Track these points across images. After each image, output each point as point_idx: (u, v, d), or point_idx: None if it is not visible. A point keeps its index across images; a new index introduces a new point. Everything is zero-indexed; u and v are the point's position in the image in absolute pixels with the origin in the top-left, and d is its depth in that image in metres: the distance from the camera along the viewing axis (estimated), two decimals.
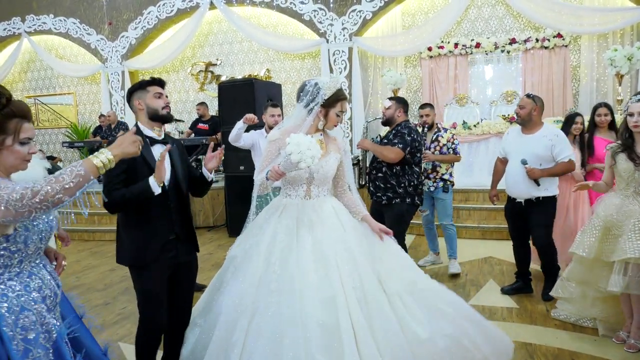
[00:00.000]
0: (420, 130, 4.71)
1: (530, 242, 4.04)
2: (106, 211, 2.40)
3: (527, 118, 3.81)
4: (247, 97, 6.39)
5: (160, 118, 2.45)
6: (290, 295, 2.20)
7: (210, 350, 2.30)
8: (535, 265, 4.15)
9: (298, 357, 2.05)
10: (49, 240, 1.74)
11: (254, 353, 2.12)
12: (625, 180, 2.98)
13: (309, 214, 2.44)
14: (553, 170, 3.72)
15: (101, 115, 9.34)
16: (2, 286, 1.57)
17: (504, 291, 4.08)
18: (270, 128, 4.48)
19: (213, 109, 9.15)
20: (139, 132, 2.39)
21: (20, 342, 1.55)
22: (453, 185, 4.77)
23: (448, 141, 4.67)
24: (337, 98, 2.51)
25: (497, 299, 3.95)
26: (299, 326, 2.13)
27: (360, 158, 7.54)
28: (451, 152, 4.66)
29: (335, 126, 2.59)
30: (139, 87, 2.47)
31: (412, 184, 4.00)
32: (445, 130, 4.78)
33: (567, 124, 4.33)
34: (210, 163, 2.59)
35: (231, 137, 4.49)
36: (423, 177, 4.55)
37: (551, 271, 3.87)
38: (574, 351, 3.02)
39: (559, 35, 7.70)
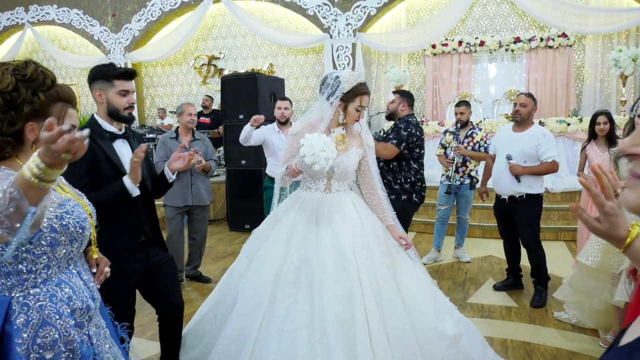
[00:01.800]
0: (454, 126, 4.84)
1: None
2: None
3: (527, 116, 3.84)
4: (250, 92, 6.38)
5: (121, 118, 2.22)
6: (308, 287, 2.20)
7: (224, 340, 2.31)
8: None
9: (314, 350, 2.06)
10: (84, 244, 1.51)
11: (269, 344, 2.12)
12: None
13: (329, 208, 2.43)
14: (535, 169, 3.74)
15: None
16: (21, 294, 1.34)
17: (496, 288, 4.13)
18: (278, 121, 4.49)
19: (216, 103, 9.15)
20: (96, 125, 2.20)
21: None
22: (477, 182, 4.84)
23: (481, 139, 4.75)
24: (357, 92, 2.46)
25: (496, 298, 3.95)
26: (315, 318, 2.14)
27: None
28: (482, 150, 4.71)
29: (357, 121, 2.54)
30: (103, 76, 2.19)
31: (408, 180, 3.93)
32: (480, 128, 4.86)
33: (591, 125, 4.14)
34: (176, 163, 2.36)
35: (241, 139, 4.46)
36: (452, 171, 4.64)
37: (540, 276, 3.85)
38: (572, 351, 3.02)
39: (564, 35, 7.67)
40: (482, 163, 4.70)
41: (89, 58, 10.38)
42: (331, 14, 8.39)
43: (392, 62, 8.66)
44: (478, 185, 4.80)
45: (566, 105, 7.82)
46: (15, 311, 1.31)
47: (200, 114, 8.59)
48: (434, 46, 8.30)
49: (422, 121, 7.61)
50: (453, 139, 4.79)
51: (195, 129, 4.45)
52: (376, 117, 8.21)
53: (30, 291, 1.35)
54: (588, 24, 7.43)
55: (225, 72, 9.48)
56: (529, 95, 3.91)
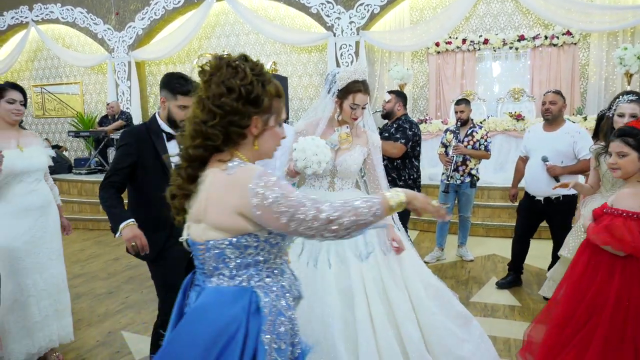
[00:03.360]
0: (455, 125, 4.87)
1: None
2: (127, 200, 2.42)
3: (558, 114, 3.76)
4: None
5: (176, 127, 2.39)
6: (312, 282, 2.21)
7: None
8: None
9: (318, 342, 2.07)
10: None
11: None
12: (610, 182, 2.89)
13: None
14: (574, 168, 3.66)
15: (108, 104, 9.36)
16: (260, 283, 1.34)
17: (499, 285, 4.13)
18: None
19: None
20: (155, 124, 2.41)
21: (273, 352, 1.31)
22: (478, 180, 4.83)
23: (482, 137, 4.73)
24: (350, 90, 2.45)
25: (499, 297, 3.95)
26: (318, 313, 2.15)
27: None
28: (482, 148, 4.70)
29: (354, 119, 2.51)
30: (171, 88, 2.37)
31: (412, 177, 4.06)
32: (480, 127, 4.84)
33: (600, 124, 4.17)
34: None
35: None
36: (451, 169, 4.67)
37: None
38: None
39: (568, 33, 7.63)
40: (489, 163, 4.69)
41: (92, 56, 10.40)
42: (334, 12, 8.37)
43: (395, 60, 8.64)
44: (479, 184, 4.79)
45: (571, 104, 7.77)
46: (260, 299, 1.32)
47: None
48: (437, 44, 8.27)
49: (425, 119, 7.61)
50: (453, 137, 4.78)
51: None
52: (373, 116, 8.20)
53: (266, 281, 1.37)
54: (593, 21, 7.37)
55: None
56: (557, 92, 3.82)
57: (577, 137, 3.66)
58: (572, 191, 3.69)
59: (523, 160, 4.08)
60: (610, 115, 2.85)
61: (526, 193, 3.98)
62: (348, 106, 2.47)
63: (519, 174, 4.19)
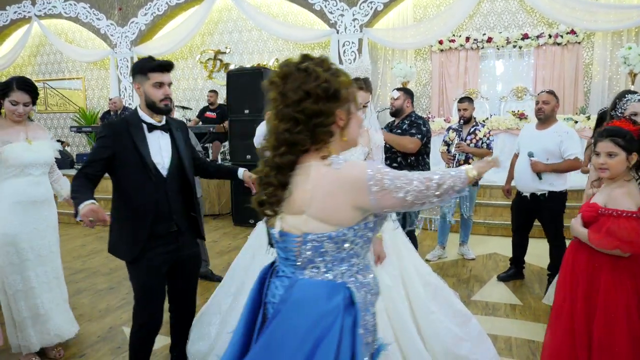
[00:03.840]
0: (457, 123, 4.89)
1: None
2: (111, 196, 2.36)
3: (550, 114, 3.84)
4: (256, 87, 6.30)
5: (157, 110, 2.30)
6: None
7: (231, 330, 2.32)
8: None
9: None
10: None
11: None
12: None
13: None
14: (557, 166, 3.73)
15: (111, 99, 9.36)
16: (352, 279, 1.38)
17: (500, 278, 4.23)
18: None
19: (221, 98, 9.14)
20: (134, 116, 2.32)
21: (362, 346, 1.37)
22: (480, 178, 4.83)
23: (484, 136, 4.73)
24: None
25: (500, 296, 3.94)
26: None
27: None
28: (485, 146, 4.69)
29: None
30: (140, 70, 2.30)
31: None
32: (483, 125, 4.83)
33: (600, 124, 4.17)
34: (252, 185, 2.46)
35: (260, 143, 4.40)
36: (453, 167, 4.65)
37: (557, 271, 3.85)
38: None
39: (572, 32, 7.59)
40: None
41: (95, 52, 10.39)
42: (338, 9, 8.35)
43: (398, 57, 8.61)
44: (481, 182, 4.79)
45: (574, 103, 7.75)
46: (354, 294, 1.35)
47: (206, 109, 8.59)
48: (440, 42, 8.24)
49: (428, 117, 7.58)
50: (456, 135, 4.77)
51: (201, 122, 4.42)
52: (381, 114, 8.17)
53: (357, 276, 1.40)
54: (597, 20, 7.34)
55: (231, 67, 9.46)
56: (551, 92, 3.89)
57: (565, 137, 3.74)
58: (558, 188, 3.79)
59: (517, 157, 4.17)
60: (619, 114, 2.80)
61: (517, 190, 4.10)
62: None
63: (512, 169, 4.29)
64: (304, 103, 1.31)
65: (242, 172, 2.59)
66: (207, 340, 2.59)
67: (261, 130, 4.40)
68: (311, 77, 1.32)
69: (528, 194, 3.91)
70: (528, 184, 3.86)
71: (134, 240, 2.25)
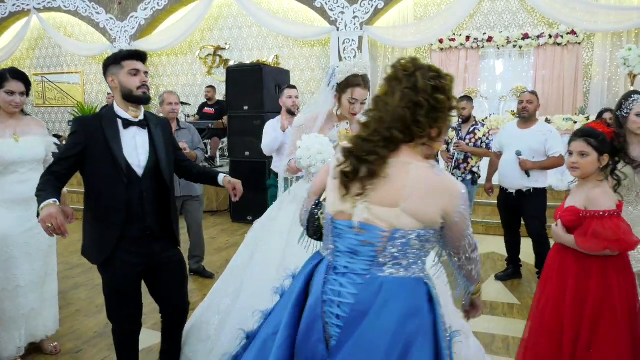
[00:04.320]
0: (457, 122, 4.88)
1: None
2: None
3: (533, 113, 4.04)
4: (256, 83, 6.36)
5: (135, 99, 2.17)
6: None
7: (229, 332, 2.32)
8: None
9: None
10: None
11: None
12: (626, 187, 2.79)
13: None
14: (543, 164, 3.93)
15: (109, 93, 9.33)
16: (426, 274, 1.47)
17: (498, 277, 4.30)
18: (288, 111, 4.36)
19: (220, 94, 9.11)
20: (110, 111, 2.19)
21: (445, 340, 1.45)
22: (479, 178, 4.84)
23: (484, 135, 4.73)
24: (348, 84, 2.42)
25: (498, 295, 3.94)
26: None
27: None
28: (484, 146, 4.69)
29: (354, 115, 2.48)
30: (113, 61, 2.17)
31: None
32: (483, 124, 4.84)
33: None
34: (231, 192, 2.40)
35: (270, 150, 4.29)
36: (452, 167, 4.70)
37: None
38: None
39: (573, 32, 7.59)
40: (485, 159, 4.71)
41: (94, 46, 10.35)
42: (338, 6, 8.33)
43: (398, 56, 8.53)
44: (481, 181, 4.80)
45: (573, 103, 7.75)
46: (431, 289, 1.44)
47: (204, 105, 8.58)
48: (441, 41, 8.23)
49: None
50: (455, 134, 4.77)
51: (199, 118, 4.39)
52: None
53: (426, 272, 1.48)
54: (598, 21, 7.34)
55: (231, 63, 9.44)
56: (533, 92, 4.12)
57: (549, 136, 3.92)
58: (541, 184, 3.97)
59: (497, 156, 4.31)
60: (625, 115, 2.77)
61: (500, 187, 4.23)
62: (347, 101, 2.43)
63: (492, 168, 4.44)
64: (438, 94, 1.37)
65: (221, 178, 2.45)
66: (206, 341, 2.56)
67: (272, 128, 4.34)
68: (442, 79, 1.40)
69: (514, 191, 4.05)
70: (515, 181, 4.00)
71: (104, 243, 2.13)
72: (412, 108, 1.36)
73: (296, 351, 1.43)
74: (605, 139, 2.17)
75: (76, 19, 10.33)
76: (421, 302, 1.40)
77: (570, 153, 2.23)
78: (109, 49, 10.02)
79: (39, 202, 1.94)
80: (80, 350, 3.06)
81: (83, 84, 10.97)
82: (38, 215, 1.91)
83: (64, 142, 9.72)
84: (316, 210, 1.60)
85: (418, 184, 1.37)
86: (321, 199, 1.61)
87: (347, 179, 1.39)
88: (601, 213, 2.12)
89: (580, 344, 2.12)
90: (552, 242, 3.84)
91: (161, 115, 4.33)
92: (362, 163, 1.36)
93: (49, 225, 1.86)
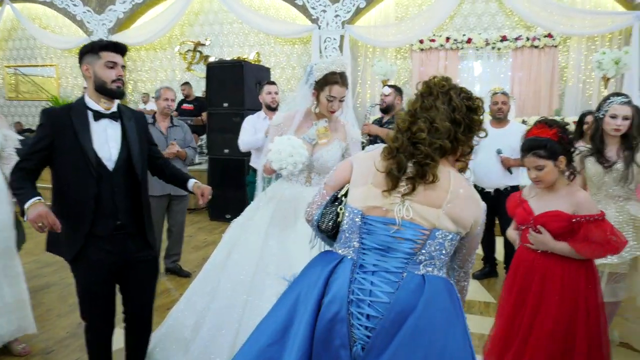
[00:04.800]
0: None
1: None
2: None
3: (507, 113, 4.19)
4: (236, 80, 6.30)
5: (108, 92, 2.10)
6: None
7: (205, 333, 2.29)
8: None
9: None
10: None
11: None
12: (596, 185, 2.90)
13: (307, 201, 2.42)
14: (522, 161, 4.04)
15: (85, 87, 9.14)
16: (444, 274, 1.52)
17: (474, 276, 4.38)
18: (268, 107, 4.33)
19: (199, 90, 9.01)
20: (80, 103, 2.12)
21: None
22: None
23: None
24: (326, 81, 2.39)
25: (475, 293, 3.99)
26: None
27: (364, 144, 7.54)
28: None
29: (332, 112, 2.47)
30: (90, 49, 2.10)
31: None
32: None
33: (580, 125, 4.23)
34: (199, 196, 2.35)
35: (247, 147, 4.22)
36: None
37: None
38: None
39: (549, 36, 7.74)
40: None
41: (70, 39, 10.12)
42: (320, 4, 8.31)
43: (379, 55, 8.63)
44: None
45: (549, 105, 7.90)
46: (455, 289, 1.52)
47: (183, 101, 8.46)
48: (421, 41, 8.29)
49: None
50: None
51: (178, 115, 4.33)
52: (372, 110, 8.20)
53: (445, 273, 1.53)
54: (574, 25, 7.49)
55: (211, 59, 9.33)
56: (505, 93, 4.27)
57: (520, 136, 3.99)
58: (517, 182, 4.07)
59: None
60: (601, 117, 2.81)
61: (475, 187, 4.21)
62: (325, 98, 2.42)
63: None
64: (472, 115, 1.48)
65: (192, 183, 2.40)
66: (182, 342, 2.52)
67: (251, 125, 4.29)
68: (474, 98, 1.50)
69: (492, 190, 4.13)
70: (495, 180, 4.09)
71: (73, 238, 2.07)
72: (452, 124, 1.44)
73: None
74: (552, 144, 2.12)
75: (52, 10, 10.08)
76: (455, 302, 1.45)
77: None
78: (85, 42, 9.77)
79: (21, 202, 1.89)
80: (51, 351, 2.99)
81: (58, 77, 10.72)
82: (23, 214, 1.87)
83: None
84: (335, 205, 1.56)
85: (458, 190, 1.44)
86: (339, 195, 1.57)
87: (397, 174, 1.42)
88: (596, 217, 2.10)
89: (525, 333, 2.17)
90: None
91: (153, 109, 4.27)
92: (416, 164, 1.41)
93: (41, 224, 1.86)
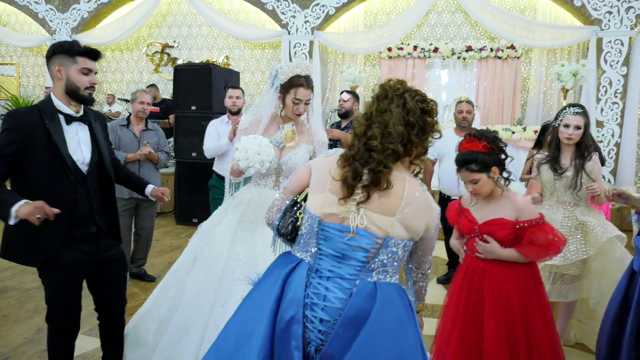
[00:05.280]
0: None
1: None
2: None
3: (472, 122, 4.30)
4: (204, 83, 6.25)
5: (79, 98, 2.10)
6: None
7: (168, 339, 2.26)
8: None
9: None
10: None
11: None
12: (549, 190, 3.04)
13: None
14: None
15: (47, 87, 8.86)
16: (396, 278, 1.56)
17: (439, 281, 4.48)
18: (230, 111, 4.31)
19: (167, 92, 8.88)
20: (49, 105, 2.08)
21: None
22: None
23: None
24: (292, 84, 2.42)
25: (439, 298, 4.06)
26: None
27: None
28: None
29: (298, 115, 2.48)
30: (66, 50, 2.06)
31: None
32: None
33: (542, 134, 4.38)
34: (157, 198, 2.45)
35: (212, 153, 4.18)
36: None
37: None
38: None
39: (512, 47, 8.01)
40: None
41: (32, 37, 9.80)
42: (290, 10, 8.35)
43: (348, 62, 8.72)
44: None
45: (512, 114, 8.16)
46: (408, 293, 1.60)
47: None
48: (389, 49, 8.43)
49: None
50: None
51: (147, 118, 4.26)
52: (333, 115, 8.26)
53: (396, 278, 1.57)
54: (535, 38, 7.78)
55: (179, 62, 9.22)
56: (470, 102, 4.37)
57: None
58: None
59: (432, 163, 4.54)
60: (556, 125, 2.96)
61: (441, 194, 4.42)
62: (290, 101, 2.44)
63: (429, 175, 4.63)
64: (426, 117, 1.49)
65: (149, 189, 2.47)
66: (143, 347, 2.48)
67: (214, 129, 4.25)
68: (428, 102, 1.53)
69: (458, 197, 4.16)
70: (461, 187, 4.13)
71: (44, 245, 2.03)
72: (405, 127, 1.45)
73: None
74: (482, 157, 2.17)
75: (12, 7, 9.74)
76: (407, 307, 1.49)
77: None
78: (47, 41, 9.51)
79: (5, 205, 1.86)
80: (7, 357, 2.88)
81: (19, 76, 10.36)
82: (6, 217, 1.86)
83: None
84: (294, 210, 1.58)
85: (412, 197, 1.46)
86: (298, 199, 1.59)
87: (352, 183, 1.43)
88: (538, 221, 2.18)
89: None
90: None
91: (127, 112, 4.18)
92: (370, 172, 1.42)
93: (39, 216, 1.87)
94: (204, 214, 2.86)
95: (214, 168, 4.35)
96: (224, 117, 4.34)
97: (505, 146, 2.25)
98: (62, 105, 2.09)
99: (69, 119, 2.09)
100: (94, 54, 2.12)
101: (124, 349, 2.44)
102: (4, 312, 3.49)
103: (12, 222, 1.88)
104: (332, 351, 1.37)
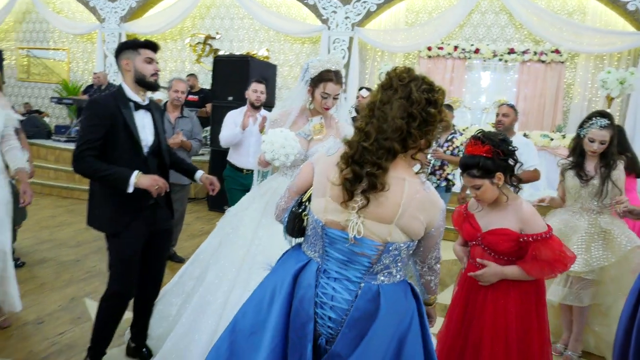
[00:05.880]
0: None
1: None
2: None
3: (509, 126, 4.08)
4: (242, 75, 6.36)
5: (147, 85, 2.39)
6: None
7: (189, 314, 2.36)
8: None
9: None
10: None
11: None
12: (573, 197, 3.00)
13: None
14: (520, 176, 3.94)
15: (95, 73, 9.23)
16: (402, 273, 1.57)
17: None
18: (252, 104, 4.32)
19: (208, 83, 9.07)
20: (121, 94, 2.35)
21: None
22: (453, 185, 4.90)
23: (461, 144, 4.77)
24: (321, 78, 2.45)
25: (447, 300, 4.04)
26: None
27: None
28: (461, 154, 4.74)
29: (326, 109, 2.52)
30: (130, 46, 2.37)
31: None
32: (461, 133, 4.88)
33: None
34: (208, 187, 2.67)
35: (227, 143, 4.23)
36: (427, 172, 4.69)
37: None
38: None
39: (557, 51, 7.76)
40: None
41: (82, 24, 10.22)
42: (331, 5, 8.38)
43: (387, 60, 8.68)
44: (454, 189, 4.89)
45: (552, 121, 7.92)
46: (414, 287, 1.60)
47: (189, 92, 8.52)
48: (429, 48, 8.34)
49: None
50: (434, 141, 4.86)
51: (184, 106, 4.38)
52: (351, 110, 8.26)
53: (402, 273, 1.58)
54: (582, 42, 7.52)
55: (221, 53, 9.39)
56: (511, 105, 4.13)
57: (524, 149, 3.82)
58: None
59: None
60: (582, 135, 2.91)
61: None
62: (319, 95, 2.48)
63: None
64: (430, 108, 1.42)
65: (199, 174, 2.70)
66: (166, 320, 2.61)
67: (232, 120, 4.30)
68: (435, 92, 1.45)
69: None
70: None
71: (120, 214, 2.32)
72: (407, 119, 1.39)
73: (289, 352, 1.46)
74: (485, 163, 2.04)
75: None
76: (409, 303, 1.51)
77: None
78: (97, 29, 9.91)
79: (122, 175, 2.20)
80: (42, 321, 3.06)
81: (69, 61, 10.82)
82: (126, 186, 2.21)
83: (44, 119, 9.60)
84: (300, 210, 1.60)
85: (411, 201, 1.42)
86: (303, 199, 1.60)
87: (351, 185, 1.40)
88: (544, 235, 2.03)
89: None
90: None
91: (160, 99, 4.34)
92: (366, 175, 1.38)
93: (157, 187, 2.25)
94: (234, 203, 2.96)
95: (228, 158, 4.37)
96: (243, 108, 4.37)
97: (515, 150, 2.10)
98: (132, 93, 2.37)
99: (137, 107, 2.37)
100: (153, 46, 2.40)
101: (150, 317, 2.63)
102: (42, 281, 3.69)
103: (130, 189, 2.20)
104: (338, 350, 1.43)
